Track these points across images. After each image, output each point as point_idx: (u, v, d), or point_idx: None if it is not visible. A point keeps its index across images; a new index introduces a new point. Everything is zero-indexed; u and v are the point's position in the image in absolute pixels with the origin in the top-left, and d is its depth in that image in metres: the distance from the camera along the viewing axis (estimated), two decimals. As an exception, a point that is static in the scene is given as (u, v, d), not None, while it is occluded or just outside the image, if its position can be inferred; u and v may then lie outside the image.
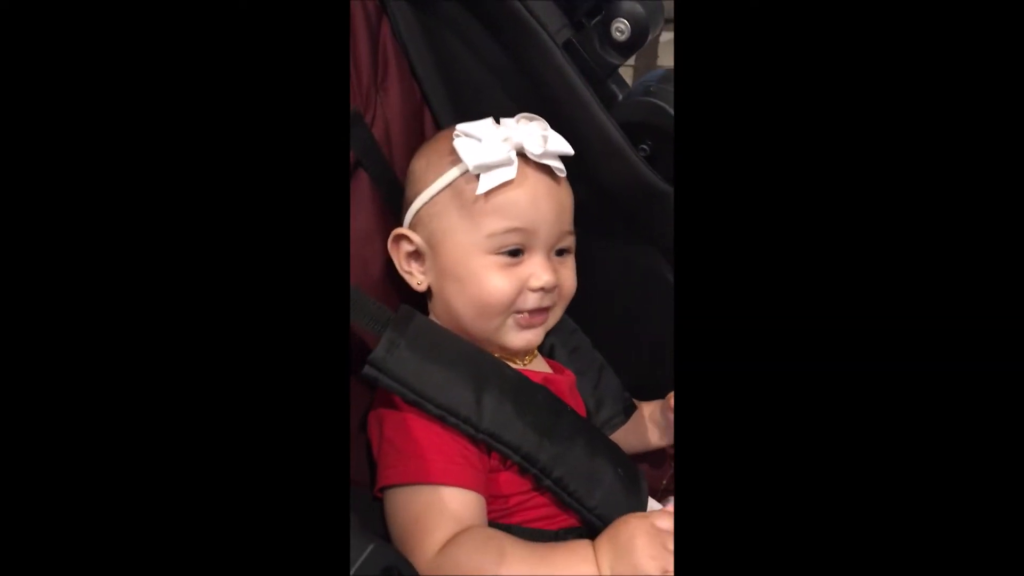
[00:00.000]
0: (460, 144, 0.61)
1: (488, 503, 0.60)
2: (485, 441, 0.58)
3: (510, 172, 0.60)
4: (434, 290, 0.66)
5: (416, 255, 0.66)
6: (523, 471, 0.60)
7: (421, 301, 0.68)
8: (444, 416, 0.57)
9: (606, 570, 0.53)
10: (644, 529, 0.53)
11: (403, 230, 0.66)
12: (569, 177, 0.69)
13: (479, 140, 0.60)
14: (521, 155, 0.61)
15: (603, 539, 0.55)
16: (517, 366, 0.66)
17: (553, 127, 0.67)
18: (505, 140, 0.60)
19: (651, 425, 0.73)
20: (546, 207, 0.62)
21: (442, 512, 0.55)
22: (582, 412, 0.69)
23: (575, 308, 0.75)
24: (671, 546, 0.51)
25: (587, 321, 0.75)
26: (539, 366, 0.69)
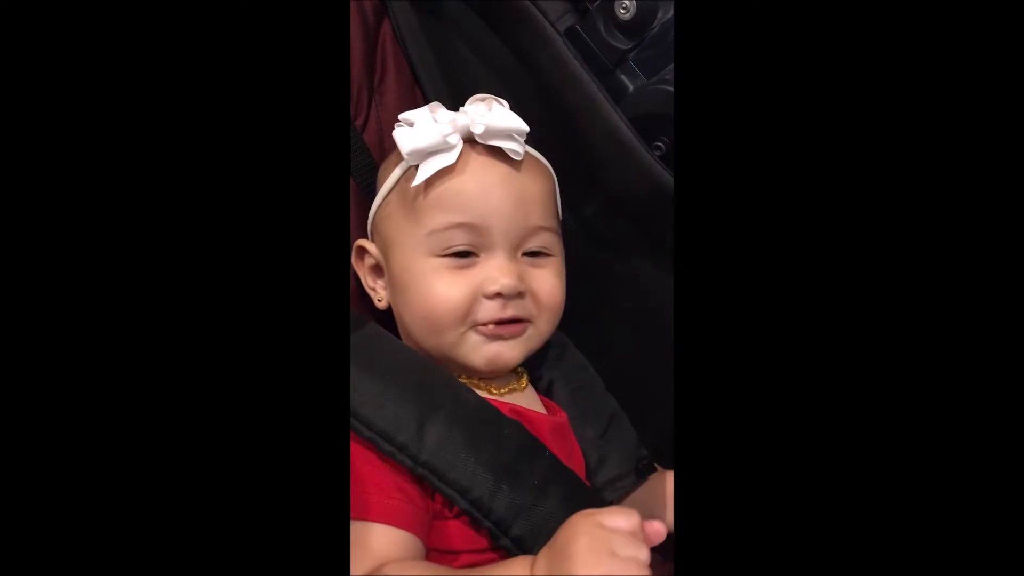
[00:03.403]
0: (397, 134, 0.53)
1: (431, 559, 0.48)
2: (425, 477, 0.47)
3: (448, 158, 0.51)
4: (392, 307, 0.58)
5: (377, 269, 0.58)
6: (475, 523, 0.48)
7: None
8: (376, 441, 0.47)
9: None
10: (585, 529, 0.40)
11: (363, 241, 0.59)
12: (576, 186, 0.60)
13: (412, 125, 0.52)
14: (470, 140, 0.53)
15: (544, 547, 0.43)
16: (491, 396, 0.55)
17: (558, 126, 0.58)
18: (446, 123, 0.52)
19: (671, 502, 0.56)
20: (499, 197, 0.52)
21: (361, 549, 0.44)
22: (576, 464, 0.56)
23: (582, 339, 0.64)
24: (623, 551, 0.38)
25: (597, 355, 0.63)
26: (525, 400, 0.57)
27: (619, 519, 0.40)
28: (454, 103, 0.67)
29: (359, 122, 0.64)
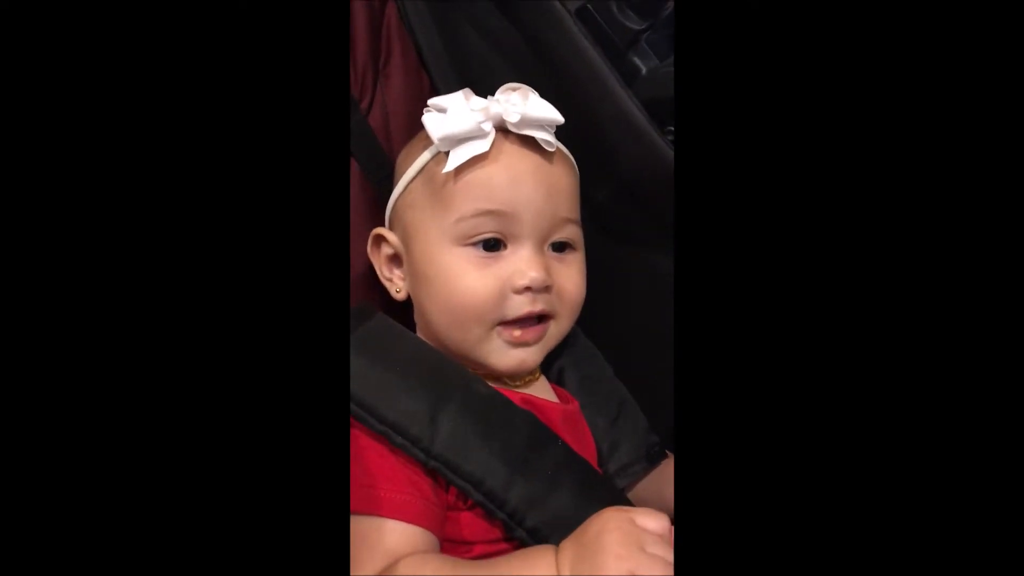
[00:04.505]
0: (428, 119, 0.52)
1: (445, 550, 0.48)
2: (437, 469, 0.47)
3: (482, 145, 0.50)
4: (412, 298, 0.57)
5: (396, 259, 0.57)
6: (489, 514, 0.48)
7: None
8: (388, 434, 0.47)
9: (566, 570, 0.41)
10: (617, 524, 0.41)
11: (381, 229, 0.58)
12: (586, 171, 0.59)
13: (445, 111, 0.51)
14: (502, 129, 0.52)
15: (570, 536, 0.43)
16: (504, 387, 0.54)
17: (568, 109, 0.56)
18: (479, 110, 0.51)
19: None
20: (531, 187, 0.51)
21: (374, 546, 0.44)
22: (587, 452, 0.56)
23: (592, 328, 0.63)
24: (652, 549, 0.39)
25: (607, 344, 0.62)
26: (537, 390, 0.56)
27: (651, 520, 0.40)
28: (461, 86, 0.66)
29: (364, 105, 0.62)
